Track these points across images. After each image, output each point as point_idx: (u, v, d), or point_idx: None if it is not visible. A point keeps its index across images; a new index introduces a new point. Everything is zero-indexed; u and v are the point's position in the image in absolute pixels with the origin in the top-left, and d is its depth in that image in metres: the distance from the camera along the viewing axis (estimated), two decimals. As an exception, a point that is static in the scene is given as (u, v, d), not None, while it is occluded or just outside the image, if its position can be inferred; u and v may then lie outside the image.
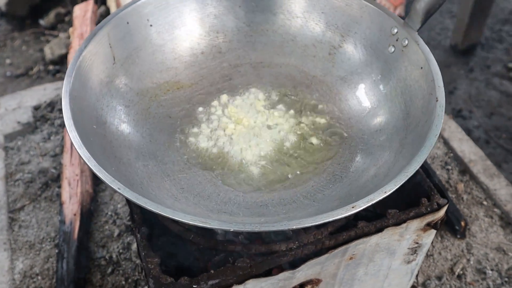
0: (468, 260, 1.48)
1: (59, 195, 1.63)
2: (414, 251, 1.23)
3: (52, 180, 1.69)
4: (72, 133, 0.96)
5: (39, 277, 1.45)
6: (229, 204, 1.07)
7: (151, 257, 1.05)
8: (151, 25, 1.27)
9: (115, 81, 1.19)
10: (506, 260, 1.48)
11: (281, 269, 1.06)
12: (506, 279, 1.44)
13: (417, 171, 1.18)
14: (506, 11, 2.97)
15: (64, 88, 1.04)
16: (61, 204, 1.56)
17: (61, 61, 2.68)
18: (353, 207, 0.87)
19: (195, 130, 1.23)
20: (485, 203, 1.62)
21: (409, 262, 1.27)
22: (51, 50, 2.68)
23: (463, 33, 2.59)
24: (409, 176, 0.91)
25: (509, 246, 1.51)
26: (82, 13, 2.13)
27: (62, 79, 2.53)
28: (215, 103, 1.27)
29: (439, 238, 1.53)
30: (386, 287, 1.33)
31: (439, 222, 1.17)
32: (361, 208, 0.87)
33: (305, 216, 1.02)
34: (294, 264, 1.07)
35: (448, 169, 1.69)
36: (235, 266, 1.03)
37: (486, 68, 2.60)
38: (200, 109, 1.26)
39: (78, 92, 1.06)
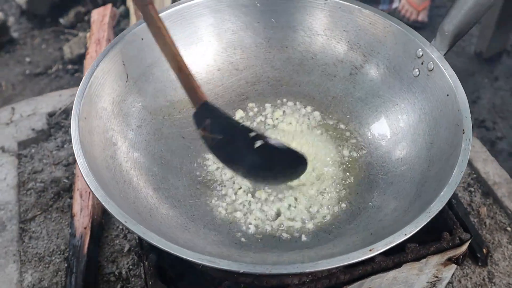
0: (490, 290, 1.42)
1: (70, 206, 1.61)
2: (433, 284, 1.18)
3: (64, 190, 1.66)
4: (79, 159, 0.92)
5: (48, 291, 1.44)
6: (240, 235, 1.03)
7: (159, 286, 1.02)
8: (166, 41, 1.23)
9: (127, 100, 1.15)
10: (530, 291, 1.42)
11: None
12: (529, 312, 1.38)
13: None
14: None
15: (74, 110, 1.00)
16: (72, 216, 1.53)
17: (80, 60, 2.66)
18: (370, 250, 0.83)
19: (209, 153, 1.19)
20: (509, 229, 1.55)
21: (427, 294, 1.22)
22: (70, 49, 2.67)
23: (488, 40, 2.50)
24: (432, 217, 0.86)
25: (533, 277, 1.45)
26: (100, 18, 2.10)
27: (79, 80, 2.52)
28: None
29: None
30: (402, 318, 1.28)
31: (461, 257, 1.12)
32: (379, 251, 0.83)
33: (320, 252, 0.99)
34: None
35: (470, 191, 1.63)
36: (246, 300, 0.99)
37: (511, 77, 2.51)
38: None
39: (88, 113, 1.03)
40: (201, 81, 1.27)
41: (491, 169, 1.66)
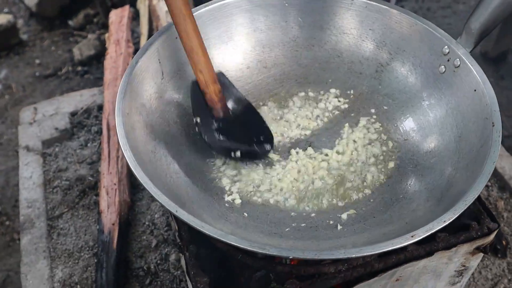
0: (510, 280, 1.46)
1: (96, 203, 1.64)
2: (460, 273, 1.22)
3: (90, 188, 1.70)
4: (127, 153, 0.96)
5: (78, 286, 1.46)
6: (279, 225, 1.07)
7: (200, 276, 1.05)
8: (198, 40, 1.26)
9: (164, 96, 1.19)
10: (549, 281, 1.46)
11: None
12: (549, 301, 1.42)
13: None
14: (539, 19, 2.92)
15: (118, 106, 1.04)
16: (99, 213, 1.57)
17: (90, 62, 2.69)
18: (412, 236, 0.86)
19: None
20: (526, 221, 1.60)
21: (453, 284, 1.26)
22: (79, 51, 2.70)
23: (494, 40, 2.55)
24: (468, 204, 0.90)
25: (551, 267, 1.49)
26: (118, 19, 2.14)
27: (91, 81, 2.55)
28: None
29: (480, 257, 1.51)
30: (428, 307, 1.32)
31: (489, 246, 1.16)
32: (421, 237, 0.86)
33: (358, 241, 1.02)
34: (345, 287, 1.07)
35: (487, 186, 1.67)
36: (285, 289, 1.03)
37: (517, 76, 2.57)
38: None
39: (129, 109, 1.06)
40: (231, 78, 1.30)
41: (506, 164, 1.70)
